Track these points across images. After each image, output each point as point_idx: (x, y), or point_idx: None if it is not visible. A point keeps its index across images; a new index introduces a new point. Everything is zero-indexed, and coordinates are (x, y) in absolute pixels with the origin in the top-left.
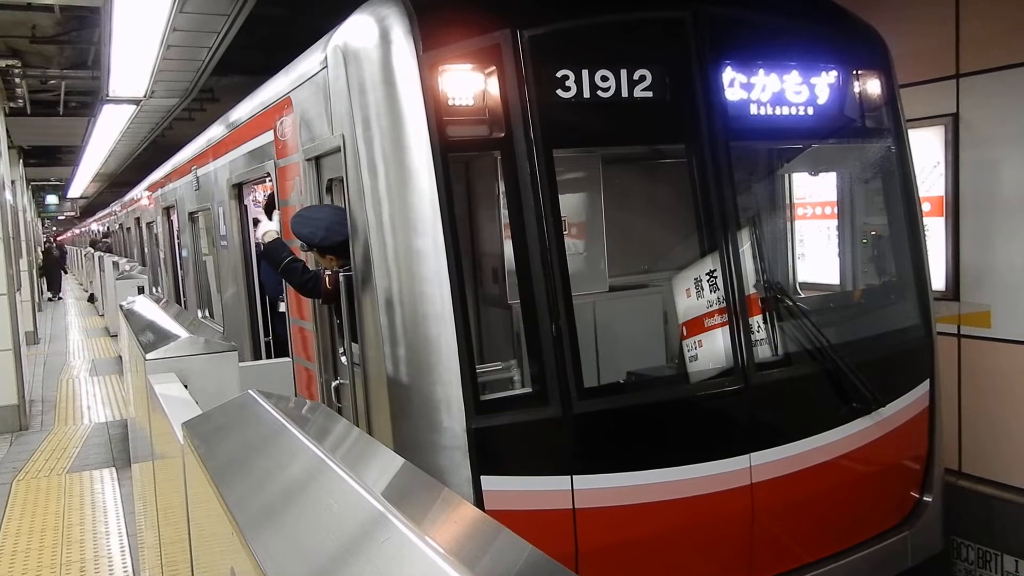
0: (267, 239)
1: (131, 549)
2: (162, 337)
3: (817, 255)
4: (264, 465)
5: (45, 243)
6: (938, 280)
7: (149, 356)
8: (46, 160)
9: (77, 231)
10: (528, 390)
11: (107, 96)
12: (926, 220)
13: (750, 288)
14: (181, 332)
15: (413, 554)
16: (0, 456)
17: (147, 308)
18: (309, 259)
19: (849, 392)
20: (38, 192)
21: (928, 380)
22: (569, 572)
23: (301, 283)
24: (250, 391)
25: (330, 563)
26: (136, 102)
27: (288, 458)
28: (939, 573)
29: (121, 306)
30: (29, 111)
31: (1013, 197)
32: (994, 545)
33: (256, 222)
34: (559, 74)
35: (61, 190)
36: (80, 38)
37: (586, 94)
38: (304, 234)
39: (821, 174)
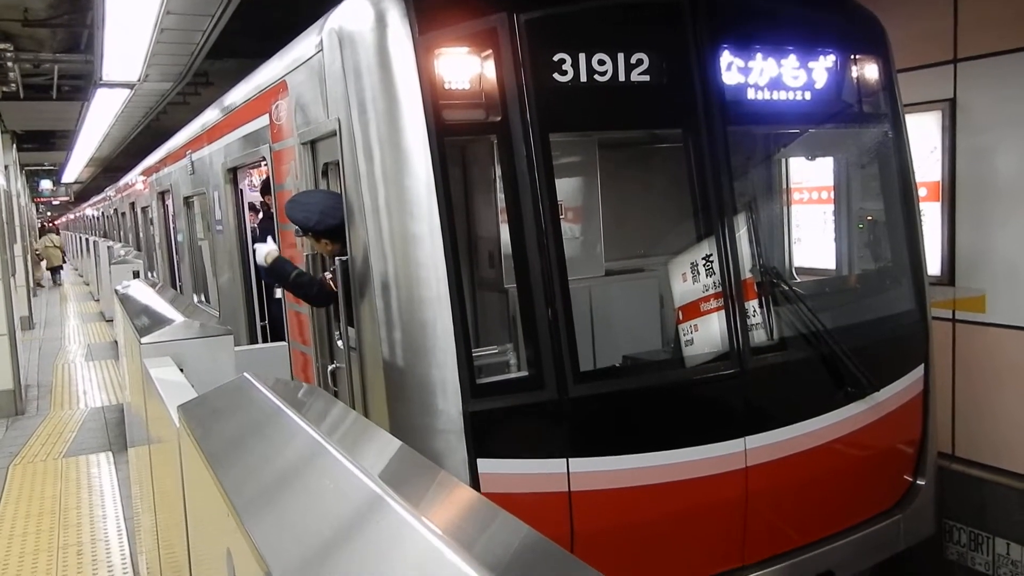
0: (269, 259)
1: (128, 532)
2: (157, 321)
3: (813, 240)
4: (260, 448)
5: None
6: (933, 265)
7: (144, 340)
8: (40, 145)
9: (72, 216)
10: (524, 374)
11: (100, 80)
12: (922, 205)
13: (746, 273)
14: (177, 316)
15: (411, 535)
16: None
17: (143, 293)
18: (305, 244)
19: (844, 376)
20: (32, 177)
21: (923, 365)
22: (565, 552)
23: (313, 296)
24: (246, 374)
25: (327, 544)
26: (130, 86)
27: (285, 440)
28: (930, 556)
29: (117, 291)
30: (22, 95)
31: (1009, 182)
32: (986, 528)
33: (262, 234)
34: (556, 58)
35: (55, 175)
36: (73, 21)
37: (583, 78)
38: (298, 219)
39: (818, 159)
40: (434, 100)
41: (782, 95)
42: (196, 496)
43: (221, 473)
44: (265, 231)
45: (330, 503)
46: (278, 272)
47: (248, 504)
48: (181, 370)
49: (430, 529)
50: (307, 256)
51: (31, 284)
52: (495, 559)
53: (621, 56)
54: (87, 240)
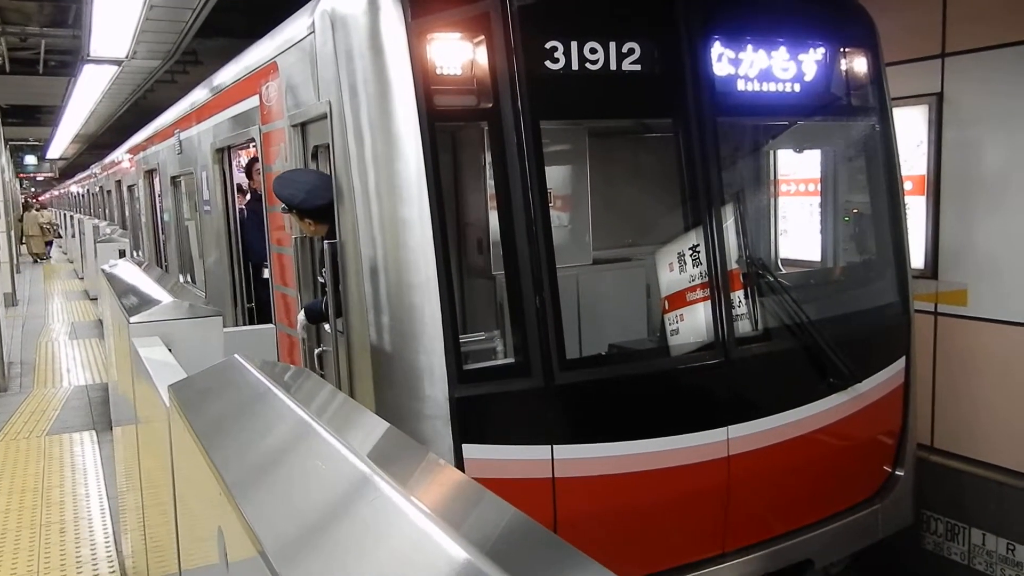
0: (307, 314)
1: (111, 511)
2: (146, 301)
3: (799, 232)
4: (251, 427)
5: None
6: (917, 258)
7: (133, 319)
8: (25, 120)
9: (56, 192)
10: (511, 360)
11: (88, 56)
12: (907, 199)
13: (732, 263)
14: (165, 296)
15: (400, 514)
16: None
17: (130, 272)
18: (294, 226)
19: (826, 367)
20: (16, 152)
21: (904, 357)
22: (551, 534)
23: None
24: (236, 355)
25: (319, 522)
26: (118, 63)
27: (275, 420)
28: (908, 545)
29: (104, 270)
30: (8, 69)
31: (993, 177)
32: (962, 518)
33: (250, 215)
34: (548, 45)
35: (40, 151)
36: None
37: (574, 66)
38: (284, 195)
39: (805, 151)
40: (426, 85)
41: (771, 87)
42: (186, 475)
43: (213, 451)
44: (253, 212)
45: (321, 482)
46: (317, 314)
47: (240, 482)
48: (169, 350)
49: (419, 508)
50: (295, 239)
51: (15, 261)
52: (482, 538)
53: (613, 45)
54: (72, 217)
